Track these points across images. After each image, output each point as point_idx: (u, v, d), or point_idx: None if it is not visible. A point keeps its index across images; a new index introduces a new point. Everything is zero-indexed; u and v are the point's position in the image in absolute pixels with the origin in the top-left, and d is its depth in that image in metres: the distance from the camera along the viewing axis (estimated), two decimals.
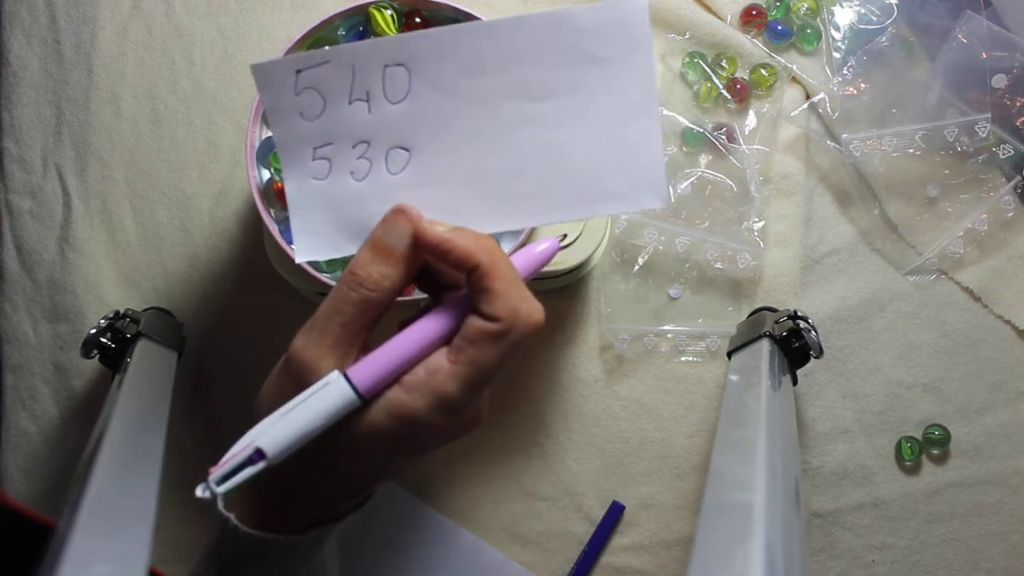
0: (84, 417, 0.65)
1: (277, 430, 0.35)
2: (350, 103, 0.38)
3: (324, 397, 0.36)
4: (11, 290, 0.66)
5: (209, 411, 0.66)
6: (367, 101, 0.38)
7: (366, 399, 0.36)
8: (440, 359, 0.36)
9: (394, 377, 0.37)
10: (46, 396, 0.66)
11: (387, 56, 0.37)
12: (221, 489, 0.35)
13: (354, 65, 0.37)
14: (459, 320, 0.37)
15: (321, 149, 0.39)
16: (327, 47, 0.38)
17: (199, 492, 0.35)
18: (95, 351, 0.56)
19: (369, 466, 0.39)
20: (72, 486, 0.44)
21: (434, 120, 0.38)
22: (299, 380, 0.37)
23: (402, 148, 0.38)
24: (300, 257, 0.41)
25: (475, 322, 0.36)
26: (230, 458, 0.35)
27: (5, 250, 0.67)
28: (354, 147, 0.38)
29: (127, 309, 0.61)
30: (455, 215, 0.39)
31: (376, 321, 0.38)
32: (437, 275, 0.40)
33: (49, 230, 0.67)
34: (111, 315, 0.59)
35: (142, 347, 0.56)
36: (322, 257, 0.40)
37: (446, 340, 0.37)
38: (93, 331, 0.56)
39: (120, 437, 0.47)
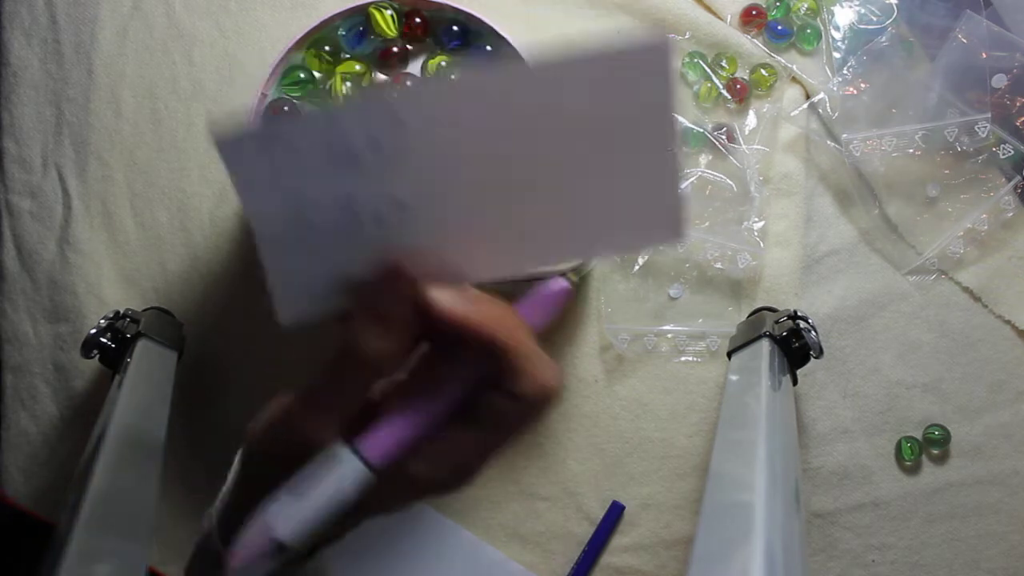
0: (84, 417, 0.65)
1: (293, 518, 0.33)
2: (331, 160, 0.34)
3: (338, 478, 0.34)
4: (11, 290, 0.66)
5: (209, 411, 0.66)
6: (354, 159, 0.34)
7: (381, 473, 0.34)
8: (463, 434, 0.35)
9: (409, 449, 0.35)
10: (46, 396, 0.66)
11: (374, 112, 0.33)
12: None
13: (334, 124, 0.33)
14: (475, 387, 0.35)
15: (298, 214, 0.35)
16: (303, 109, 0.35)
17: None
18: (95, 351, 0.56)
19: (382, 515, 0.38)
20: (72, 486, 0.44)
21: (429, 171, 0.34)
22: (300, 447, 0.35)
23: (394, 202, 0.35)
24: (287, 318, 0.37)
25: (500, 401, 0.34)
26: (247, 547, 0.33)
27: (5, 250, 0.67)
28: (338, 205, 0.35)
29: (127, 309, 0.61)
30: (456, 264, 0.36)
31: (375, 381, 0.36)
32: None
33: (49, 230, 0.67)
34: (111, 315, 0.59)
35: (142, 347, 0.56)
36: (312, 315, 0.37)
37: (461, 408, 0.36)
38: (93, 331, 0.56)
39: (120, 437, 0.47)
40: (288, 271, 0.36)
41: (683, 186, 0.65)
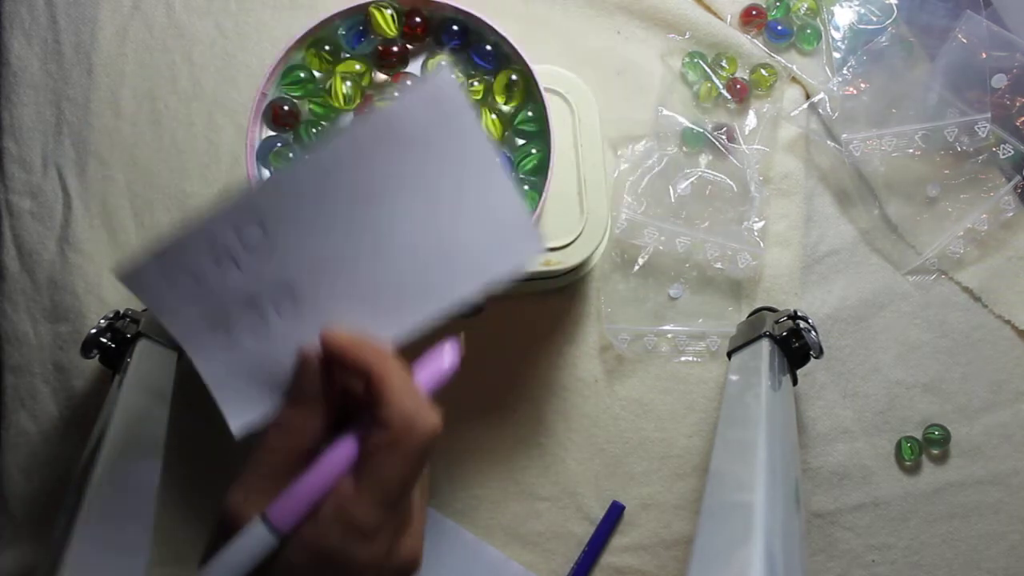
0: (84, 417, 0.65)
1: None
2: (219, 269, 0.38)
3: (244, 541, 0.34)
4: (11, 290, 0.66)
5: (209, 411, 0.66)
6: (235, 262, 0.38)
7: (284, 536, 0.35)
8: (346, 484, 0.35)
9: (310, 511, 0.35)
10: (46, 396, 0.66)
11: (236, 219, 0.37)
12: None
13: (209, 237, 0.37)
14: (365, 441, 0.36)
15: (213, 322, 0.39)
16: (179, 227, 0.38)
17: None
18: (95, 351, 0.56)
19: None
20: (71, 486, 0.44)
21: (301, 254, 0.38)
22: (231, 527, 0.35)
23: (285, 290, 0.38)
24: (237, 427, 0.39)
25: (373, 435, 0.34)
26: None
27: (5, 250, 0.67)
28: (241, 308, 0.38)
29: (127, 309, 0.61)
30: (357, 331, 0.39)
31: (307, 462, 0.36)
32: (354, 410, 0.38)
33: (49, 230, 0.67)
34: (111, 315, 0.59)
35: (142, 347, 0.56)
36: (256, 419, 0.39)
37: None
38: (93, 331, 0.56)
39: (120, 437, 0.47)
40: (226, 383, 0.39)
41: (685, 184, 0.65)
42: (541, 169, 0.53)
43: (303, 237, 0.38)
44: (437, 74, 0.36)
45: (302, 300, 0.38)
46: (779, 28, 0.67)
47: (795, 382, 0.59)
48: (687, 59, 0.67)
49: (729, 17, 0.69)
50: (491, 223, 0.38)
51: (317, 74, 0.55)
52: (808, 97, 0.68)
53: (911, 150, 0.65)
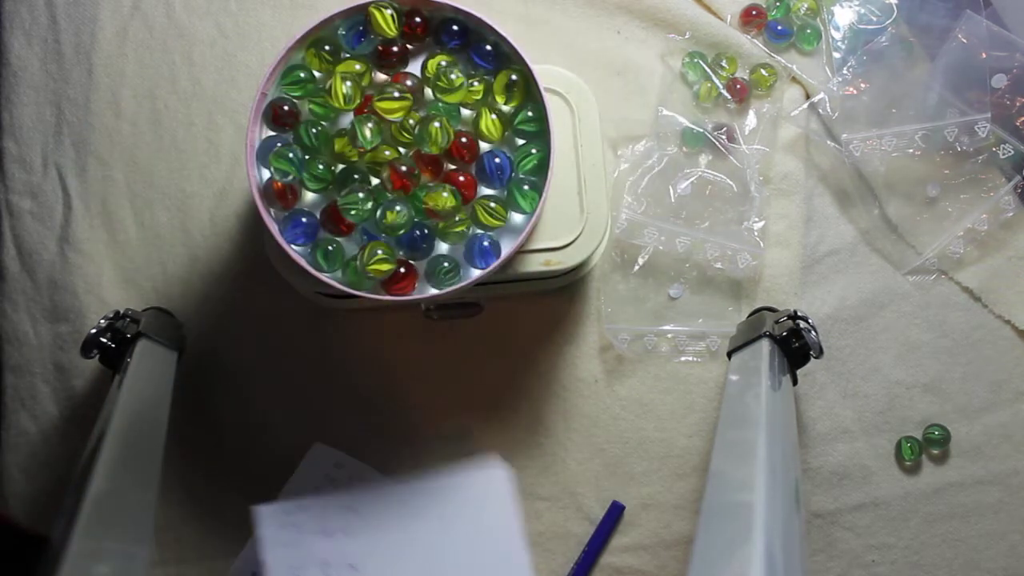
0: (84, 417, 0.65)
1: None
2: (314, 534, 0.55)
3: None
4: (11, 290, 0.66)
5: (209, 411, 0.66)
6: (328, 535, 0.56)
7: None
8: None
9: None
10: (46, 396, 0.66)
11: (339, 505, 0.57)
12: None
13: (319, 508, 0.56)
14: None
15: (298, 570, 0.55)
16: (300, 499, 0.57)
17: None
18: (95, 351, 0.56)
19: None
20: (71, 486, 0.44)
21: (371, 545, 0.55)
22: None
23: (351, 566, 0.55)
24: None
25: None
26: None
27: (5, 250, 0.67)
28: (318, 567, 0.55)
29: (127, 309, 0.61)
30: None
31: None
32: None
33: (49, 230, 0.67)
34: (111, 315, 0.59)
35: (142, 347, 0.56)
36: None
37: None
38: (93, 331, 0.56)
39: (120, 437, 0.47)
40: None
41: (685, 184, 0.65)
42: (541, 169, 0.53)
43: (375, 533, 0.56)
44: (494, 467, 0.57)
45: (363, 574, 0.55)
46: (779, 28, 0.67)
47: (795, 382, 0.59)
48: (687, 59, 0.67)
49: (729, 17, 0.69)
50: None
51: (317, 74, 0.55)
52: (808, 97, 0.68)
53: (911, 150, 0.65)
